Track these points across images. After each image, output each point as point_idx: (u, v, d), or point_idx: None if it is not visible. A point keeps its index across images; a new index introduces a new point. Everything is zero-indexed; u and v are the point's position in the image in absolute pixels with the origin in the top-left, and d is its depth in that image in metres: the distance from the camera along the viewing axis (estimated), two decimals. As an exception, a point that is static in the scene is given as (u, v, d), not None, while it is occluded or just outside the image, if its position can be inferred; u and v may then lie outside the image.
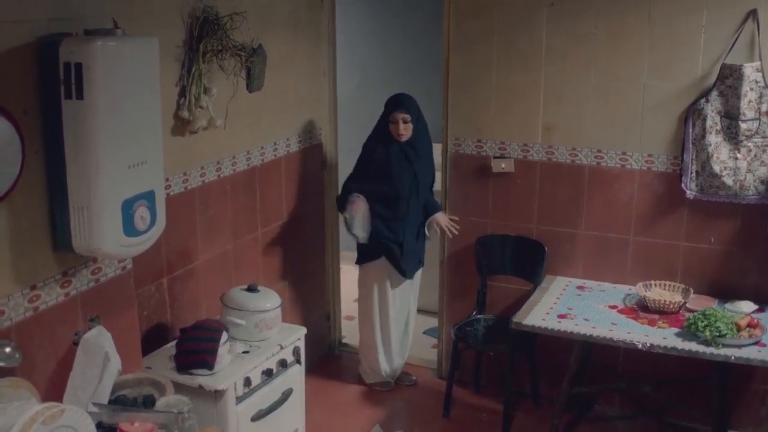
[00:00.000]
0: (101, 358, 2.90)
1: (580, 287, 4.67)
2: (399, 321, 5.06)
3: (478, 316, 4.96)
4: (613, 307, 4.39)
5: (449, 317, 5.20)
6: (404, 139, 4.69)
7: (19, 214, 2.66)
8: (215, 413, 3.47)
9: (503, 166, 4.81)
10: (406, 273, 4.87)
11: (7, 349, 2.61)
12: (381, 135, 4.76)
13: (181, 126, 3.80)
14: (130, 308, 3.23)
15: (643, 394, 4.68)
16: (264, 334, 3.82)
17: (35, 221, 2.73)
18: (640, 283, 4.47)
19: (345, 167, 5.16)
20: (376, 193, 4.74)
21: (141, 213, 2.80)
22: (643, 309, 4.34)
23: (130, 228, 2.77)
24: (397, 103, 4.71)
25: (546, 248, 4.77)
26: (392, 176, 4.72)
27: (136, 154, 2.76)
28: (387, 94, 4.81)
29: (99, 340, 2.93)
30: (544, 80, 4.64)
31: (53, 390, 2.80)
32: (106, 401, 2.88)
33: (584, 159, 4.66)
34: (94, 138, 2.59)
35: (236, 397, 3.53)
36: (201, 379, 3.46)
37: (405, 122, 4.64)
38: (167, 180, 3.70)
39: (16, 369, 2.64)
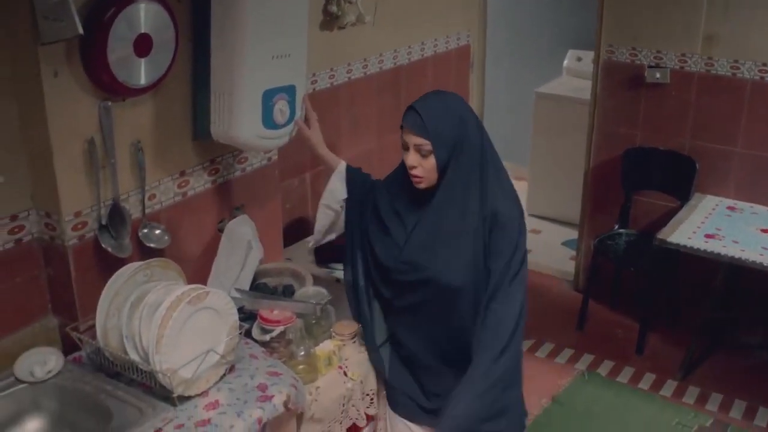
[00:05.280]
0: (245, 246, 2.97)
1: (730, 207, 4.46)
2: None
3: (620, 230, 4.84)
4: (766, 231, 4.19)
5: (590, 230, 5.09)
6: (421, 184, 2.53)
7: (170, 100, 2.71)
8: (351, 307, 3.52)
9: (658, 76, 4.60)
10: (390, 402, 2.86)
11: (157, 231, 2.73)
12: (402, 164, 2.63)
13: (329, 21, 3.78)
14: (274, 199, 3.29)
15: (790, 324, 4.50)
16: (402, 233, 3.82)
17: (183, 108, 2.78)
18: (798, 207, 4.24)
19: (491, 71, 5.00)
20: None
21: (280, 106, 2.78)
22: (798, 234, 4.13)
23: (269, 120, 2.76)
24: (409, 115, 2.50)
25: (697, 164, 4.56)
26: (380, 240, 2.75)
27: (281, 45, 2.74)
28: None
29: (243, 228, 3.00)
30: (709, -14, 4.38)
31: (198, 274, 2.89)
32: (247, 288, 2.96)
33: (747, 73, 4.39)
34: (241, 25, 2.58)
35: (372, 293, 3.55)
36: (339, 273, 3.50)
37: (423, 154, 2.47)
38: (313, 75, 3.72)
39: (164, 251, 2.74)
